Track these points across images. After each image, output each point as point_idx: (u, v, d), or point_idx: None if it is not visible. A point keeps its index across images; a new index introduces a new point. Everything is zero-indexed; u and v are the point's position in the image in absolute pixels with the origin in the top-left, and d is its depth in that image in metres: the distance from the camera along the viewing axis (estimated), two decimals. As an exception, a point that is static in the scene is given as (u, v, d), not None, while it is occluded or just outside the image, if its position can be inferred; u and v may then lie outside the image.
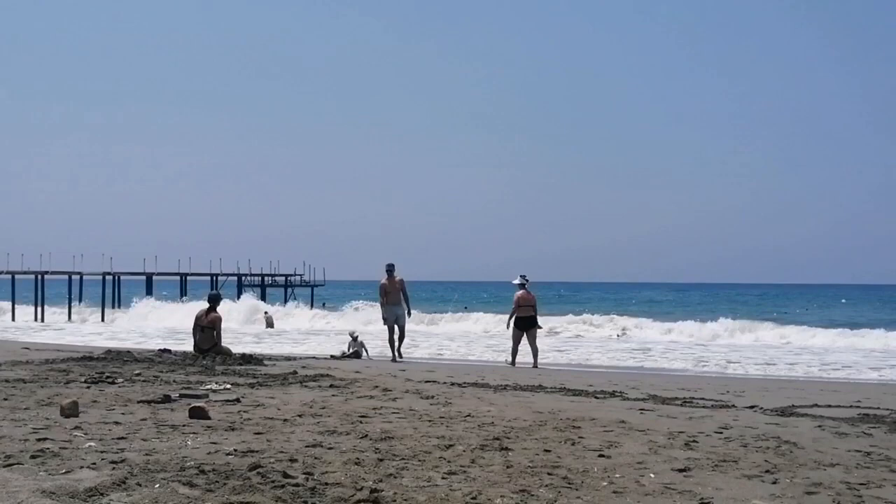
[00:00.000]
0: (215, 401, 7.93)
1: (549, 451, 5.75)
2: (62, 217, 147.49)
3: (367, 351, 17.51)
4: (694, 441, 6.33)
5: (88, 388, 8.87)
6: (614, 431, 6.73)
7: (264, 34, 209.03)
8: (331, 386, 9.76)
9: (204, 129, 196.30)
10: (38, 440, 5.61)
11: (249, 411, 7.37)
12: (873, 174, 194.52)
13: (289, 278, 55.93)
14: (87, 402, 7.59)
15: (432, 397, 8.87)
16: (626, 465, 5.35)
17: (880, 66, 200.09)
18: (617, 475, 5.04)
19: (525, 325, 16.15)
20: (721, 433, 6.80)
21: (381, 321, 17.36)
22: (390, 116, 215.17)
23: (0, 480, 4.43)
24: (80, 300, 46.12)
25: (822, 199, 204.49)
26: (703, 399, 9.69)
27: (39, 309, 43.60)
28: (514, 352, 16.20)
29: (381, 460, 5.24)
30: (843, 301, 72.43)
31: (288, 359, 14.94)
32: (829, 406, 9.26)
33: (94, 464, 4.89)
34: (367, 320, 31.72)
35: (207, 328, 14.14)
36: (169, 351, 14.53)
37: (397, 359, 16.41)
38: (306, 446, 5.66)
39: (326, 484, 4.55)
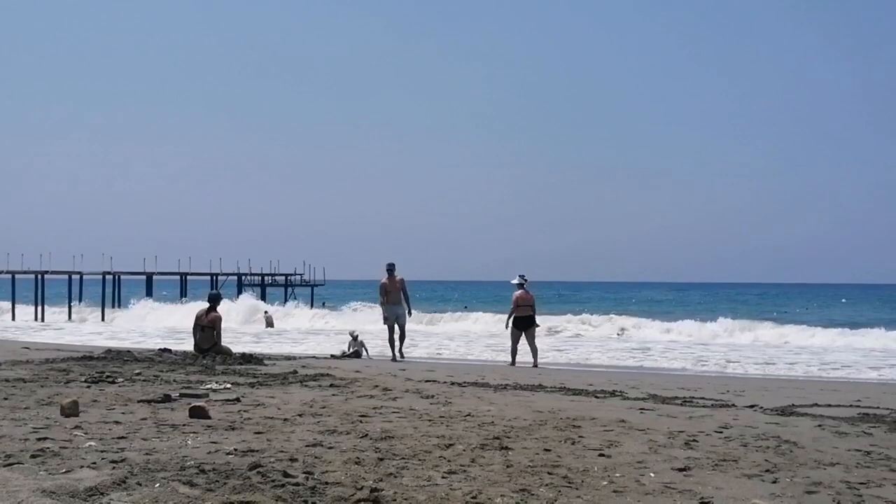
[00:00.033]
0: (215, 400, 7.94)
1: (549, 450, 5.76)
2: (62, 217, 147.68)
3: (367, 350, 17.51)
4: (694, 440, 6.33)
5: (88, 387, 8.87)
6: (614, 431, 6.73)
7: (264, 34, 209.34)
8: (331, 385, 9.77)
9: (204, 129, 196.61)
10: (39, 440, 5.61)
11: (249, 411, 7.37)
12: (873, 174, 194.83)
13: (289, 278, 55.94)
14: (87, 401, 7.60)
15: (432, 397, 8.88)
16: (627, 464, 5.35)
17: (880, 66, 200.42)
18: (617, 474, 5.04)
19: (523, 324, 16.19)
20: (721, 432, 6.81)
21: (382, 320, 17.36)
22: (390, 116, 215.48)
23: (0, 480, 4.43)
24: (80, 300, 46.13)
25: (822, 199, 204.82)
26: (702, 398, 9.70)
27: (39, 308, 43.61)
28: (514, 351, 16.22)
29: (381, 460, 5.24)
30: (843, 300, 72.42)
31: (288, 358, 14.94)
32: (829, 405, 9.26)
33: (95, 463, 4.89)
34: (366, 321, 31.70)
35: (207, 328, 14.14)
36: (169, 350, 14.53)
37: (398, 359, 16.41)
38: (306, 446, 5.67)
39: (327, 483, 4.55)
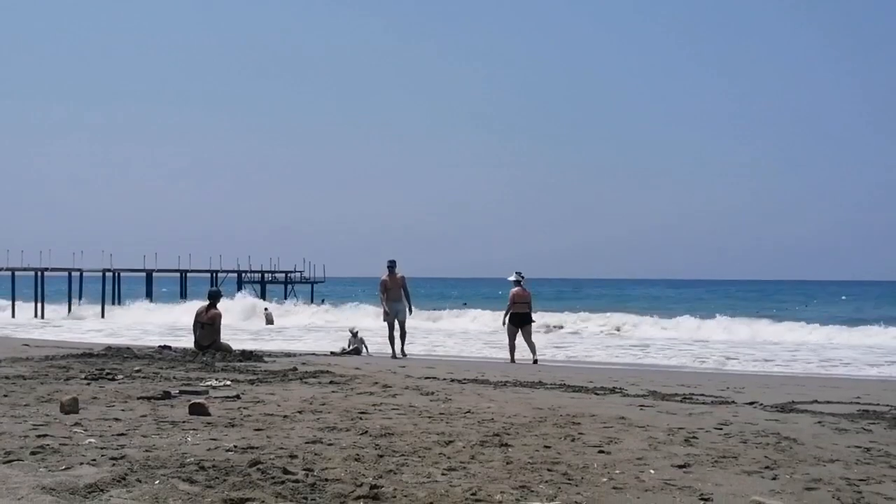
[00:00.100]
0: (215, 397, 7.94)
1: (548, 447, 5.76)
2: (62, 215, 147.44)
3: (366, 347, 17.51)
4: (694, 437, 6.33)
5: (88, 384, 8.87)
6: (614, 428, 6.73)
7: (264, 34, 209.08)
8: (331, 382, 9.77)
9: (204, 129, 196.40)
10: (38, 437, 5.61)
11: (249, 408, 7.38)
12: (873, 174, 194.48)
13: (289, 275, 55.97)
14: (87, 398, 7.60)
15: (432, 394, 8.88)
16: (626, 461, 5.36)
17: (880, 66, 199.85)
18: (617, 471, 5.04)
19: (520, 321, 16.27)
20: (721, 429, 6.80)
21: (382, 317, 17.36)
22: (390, 116, 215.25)
23: (0, 477, 4.43)
24: (80, 297, 46.08)
25: (823, 198, 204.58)
26: (702, 395, 9.69)
27: (39, 306, 43.58)
28: (512, 348, 16.26)
29: (380, 456, 5.24)
30: (843, 297, 72.41)
31: (288, 355, 14.94)
32: (829, 402, 9.25)
33: (94, 460, 4.89)
34: (365, 316, 31.68)
35: (207, 325, 14.14)
36: (169, 347, 14.54)
37: (399, 356, 16.41)
38: (306, 442, 5.67)
39: (326, 480, 4.56)
